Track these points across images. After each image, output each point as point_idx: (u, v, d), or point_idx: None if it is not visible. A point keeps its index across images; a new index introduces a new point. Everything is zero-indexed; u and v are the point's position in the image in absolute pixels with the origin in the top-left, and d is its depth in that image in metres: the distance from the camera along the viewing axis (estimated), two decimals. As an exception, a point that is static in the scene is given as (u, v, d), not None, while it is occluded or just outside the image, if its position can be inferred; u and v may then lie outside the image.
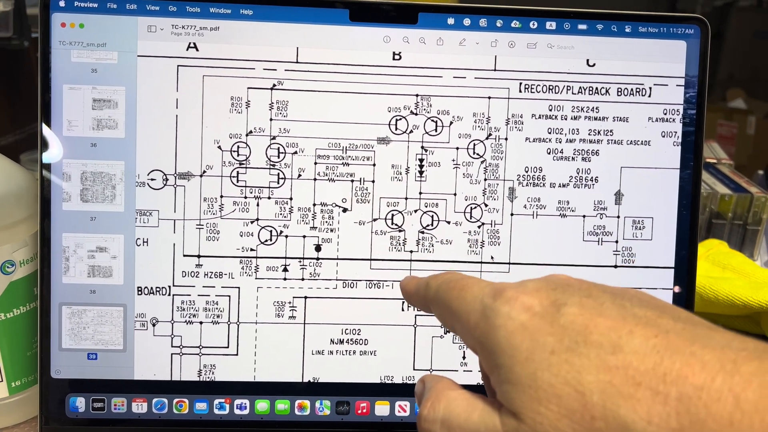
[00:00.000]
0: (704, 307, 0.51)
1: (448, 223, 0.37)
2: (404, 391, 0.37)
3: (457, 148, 0.36)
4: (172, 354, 0.36)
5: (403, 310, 0.37)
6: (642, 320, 0.18)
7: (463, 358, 0.37)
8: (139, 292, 0.35)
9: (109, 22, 0.35)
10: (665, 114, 0.37)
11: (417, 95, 0.36)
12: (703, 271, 0.55)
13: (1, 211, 0.35)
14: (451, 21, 0.36)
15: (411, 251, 0.36)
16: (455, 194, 0.36)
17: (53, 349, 0.36)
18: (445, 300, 0.22)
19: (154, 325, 0.36)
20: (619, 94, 0.36)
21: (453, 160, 0.36)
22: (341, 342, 0.36)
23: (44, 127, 0.35)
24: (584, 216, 0.37)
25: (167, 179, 0.35)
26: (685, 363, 0.17)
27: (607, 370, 0.17)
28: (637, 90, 0.37)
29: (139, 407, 0.36)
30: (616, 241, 0.37)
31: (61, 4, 0.35)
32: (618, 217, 0.37)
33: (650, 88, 0.37)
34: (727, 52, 2.59)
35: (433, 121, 0.36)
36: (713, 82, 2.60)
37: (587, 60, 0.36)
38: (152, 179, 0.35)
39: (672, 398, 0.16)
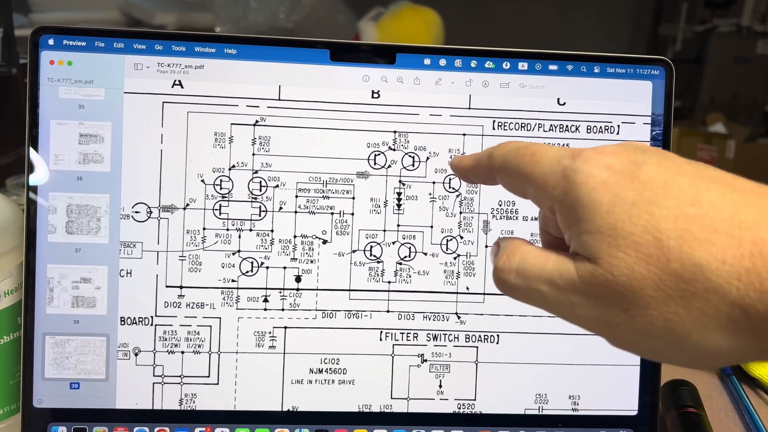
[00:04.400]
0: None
1: (425, 254, 0.38)
2: (382, 419, 0.37)
3: (434, 183, 0.38)
4: (153, 383, 0.36)
5: (381, 340, 0.37)
6: (718, 179, 0.19)
7: (440, 386, 0.38)
8: (122, 323, 0.36)
9: (96, 60, 0.36)
10: (633, 151, 0.38)
11: (395, 132, 0.37)
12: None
13: (-13, 242, 0.36)
14: (427, 61, 0.37)
15: (389, 282, 0.38)
16: (432, 227, 0.38)
17: (36, 379, 0.36)
18: (515, 166, 0.23)
19: (136, 354, 0.36)
20: (589, 131, 0.38)
21: (430, 194, 0.38)
22: (320, 371, 0.37)
23: (31, 160, 0.36)
24: (556, 248, 0.38)
25: (151, 212, 0.36)
26: (761, 213, 0.18)
27: (685, 218, 0.18)
28: (606, 127, 0.38)
29: (121, 436, 0.36)
30: (587, 273, 0.38)
31: (50, 42, 0.36)
32: (588, 249, 0.38)
33: (618, 126, 0.38)
34: (707, 77, 2.65)
35: (410, 156, 0.37)
36: (694, 107, 2.65)
37: (558, 99, 0.38)
38: (136, 212, 0.36)
39: (747, 241, 0.18)
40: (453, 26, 1.48)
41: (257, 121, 0.37)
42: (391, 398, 0.37)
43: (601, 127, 0.38)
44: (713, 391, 0.49)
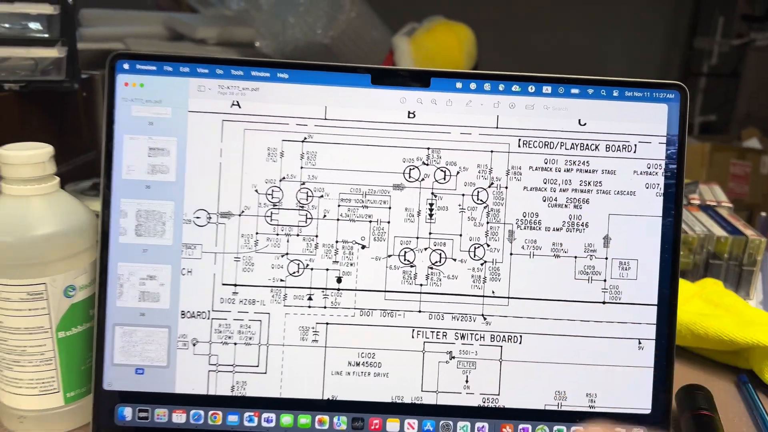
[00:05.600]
0: (695, 342, 0.55)
1: (454, 260, 0.41)
2: (413, 410, 0.41)
3: (463, 195, 0.41)
4: (209, 371, 0.41)
5: (413, 337, 0.41)
6: None
7: (466, 381, 0.41)
8: (183, 316, 0.41)
9: (165, 82, 0.40)
10: (649, 168, 0.41)
11: (428, 148, 0.41)
12: (696, 308, 0.58)
13: (68, 242, 0.40)
14: (459, 85, 0.41)
15: (421, 284, 0.41)
16: (461, 235, 0.41)
17: (106, 364, 0.41)
18: None
19: (194, 345, 0.41)
20: (608, 150, 0.41)
21: (459, 205, 0.41)
22: (358, 364, 0.41)
23: (107, 170, 0.40)
24: (576, 257, 0.41)
25: (210, 218, 0.41)
26: None
27: None
28: (624, 146, 0.41)
29: (179, 418, 0.41)
30: (605, 280, 0.41)
31: (125, 66, 0.40)
32: (606, 258, 0.41)
33: (635, 145, 0.41)
34: (743, 91, 2.62)
35: (442, 170, 0.41)
36: (729, 121, 2.63)
37: (579, 120, 0.41)
38: (197, 217, 0.41)
39: None
40: (486, 41, 1.51)
41: (305, 138, 0.41)
42: (422, 391, 0.41)
43: (619, 146, 0.41)
44: (730, 398, 0.51)
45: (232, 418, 0.41)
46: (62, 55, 0.78)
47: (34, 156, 0.40)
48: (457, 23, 1.46)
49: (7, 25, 0.79)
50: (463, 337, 0.41)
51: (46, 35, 0.80)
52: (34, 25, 0.80)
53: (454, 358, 0.41)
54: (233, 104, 0.41)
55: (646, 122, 0.41)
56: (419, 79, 0.41)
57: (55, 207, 0.41)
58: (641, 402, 0.41)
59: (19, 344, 0.41)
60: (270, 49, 1.72)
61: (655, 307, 0.41)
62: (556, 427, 0.41)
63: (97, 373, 0.41)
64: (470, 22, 1.45)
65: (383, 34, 1.70)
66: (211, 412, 0.41)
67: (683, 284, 0.62)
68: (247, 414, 0.41)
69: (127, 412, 0.41)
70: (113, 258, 0.41)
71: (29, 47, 0.75)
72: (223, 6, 1.93)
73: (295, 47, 1.67)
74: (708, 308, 0.59)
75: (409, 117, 0.41)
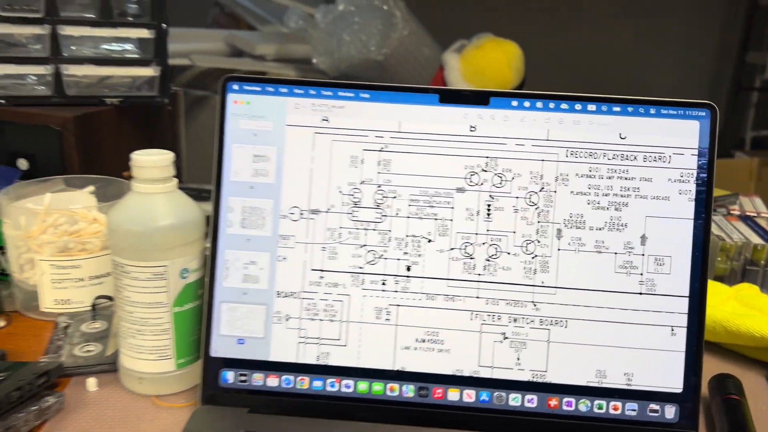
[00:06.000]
0: (728, 338, 0.60)
1: (509, 254, 0.48)
2: (471, 382, 0.48)
3: (517, 197, 0.48)
4: (298, 342, 0.48)
5: (471, 319, 0.48)
6: None
7: (518, 359, 0.47)
8: (278, 295, 0.48)
9: (267, 101, 0.49)
10: (682, 176, 0.47)
11: (487, 157, 0.48)
12: (731, 308, 0.63)
13: (184, 232, 0.49)
14: (514, 103, 0.48)
15: (479, 274, 0.48)
16: (514, 232, 0.48)
17: (213, 335, 0.49)
18: None
19: (287, 320, 0.48)
20: (645, 160, 0.47)
21: (513, 207, 0.48)
22: (423, 341, 0.48)
23: (218, 174, 0.49)
24: (616, 253, 0.47)
25: (302, 214, 0.48)
26: None
27: None
28: (660, 157, 0.47)
29: (272, 382, 0.48)
30: (641, 274, 0.47)
31: (235, 87, 0.49)
32: (643, 255, 0.47)
33: (670, 156, 0.47)
34: (797, 106, 2.59)
35: (498, 176, 0.48)
36: (781, 136, 2.59)
37: (620, 134, 0.47)
38: (291, 213, 0.48)
39: None
40: (535, 56, 1.56)
41: (382, 148, 0.48)
42: (479, 366, 0.48)
43: (655, 157, 0.47)
44: (760, 389, 0.56)
45: (317, 384, 0.48)
46: (156, 74, 0.88)
47: (160, 160, 0.48)
48: (505, 40, 1.52)
49: (107, 47, 0.89)
50: (515, 320, 0.48)
51: (138, 56, 0.90)
52: (129, 47, 0.91)
53: (507, 338, 0.48)
54: (323, 119, 0.48)
55: (679, 136, 0.47)
56: (480, 98, 0.48)
57: (174, 203, 0.49)
58: (673, 382, 0.47)
59: (143, 316, 0.49)
60: (326, 65, 1.81)
61: (687, 298, 0.47)
62: (596, 402, 0.47)
63: (206, 342, 0.49)
64: (518, 38, 1.51)
65: (434, 51, 1.77)
66: (299, 378, 0.48)
67: (720, 287, 0.67)
68: (329, 380, 0.48)
69: (230, 375, 0.48)
70: (221, 246, 0.49)
71: (129, 67, 0.86)
72: (281, 24, 2.04)
73: (350, 64, 1.76)
74: (743, 309, 0.63)
75: (470, 130, 0.48)
